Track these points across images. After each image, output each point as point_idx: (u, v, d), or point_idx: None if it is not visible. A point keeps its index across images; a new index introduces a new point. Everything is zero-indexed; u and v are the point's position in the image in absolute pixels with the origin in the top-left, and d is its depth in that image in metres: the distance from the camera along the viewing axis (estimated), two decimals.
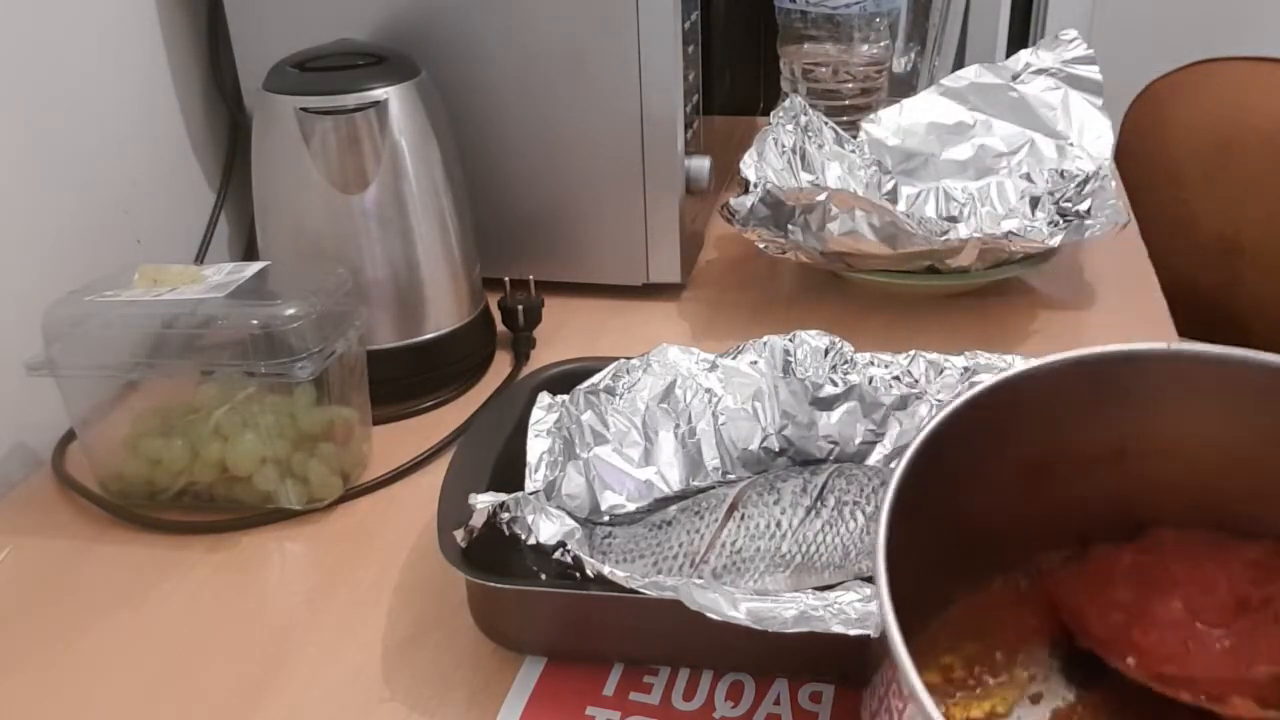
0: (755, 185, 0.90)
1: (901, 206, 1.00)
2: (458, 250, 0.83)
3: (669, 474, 0.68)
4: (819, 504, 0.62)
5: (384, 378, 0.78)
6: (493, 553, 0.57)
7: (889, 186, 1.02)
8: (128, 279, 0.72)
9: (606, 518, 0.66)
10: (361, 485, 0.73)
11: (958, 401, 0.42)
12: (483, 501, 0.57)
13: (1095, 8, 1.84)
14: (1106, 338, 0.87)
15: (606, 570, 0.54)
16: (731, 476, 0.68)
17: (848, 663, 0.56)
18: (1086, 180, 0.95)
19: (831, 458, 0.69)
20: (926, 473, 0.40)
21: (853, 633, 0.49)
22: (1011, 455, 0.44)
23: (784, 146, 0.97)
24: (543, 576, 0.57)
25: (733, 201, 0.89)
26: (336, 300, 0.71)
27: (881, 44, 1.13)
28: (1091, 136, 1.00)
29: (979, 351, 0.70)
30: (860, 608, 0.50)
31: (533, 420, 0.66)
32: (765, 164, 0.93)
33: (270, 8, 0.90)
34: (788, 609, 0.50)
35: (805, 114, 1.01)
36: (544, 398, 0.68)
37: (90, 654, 0.61)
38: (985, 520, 0.45)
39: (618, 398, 0.69)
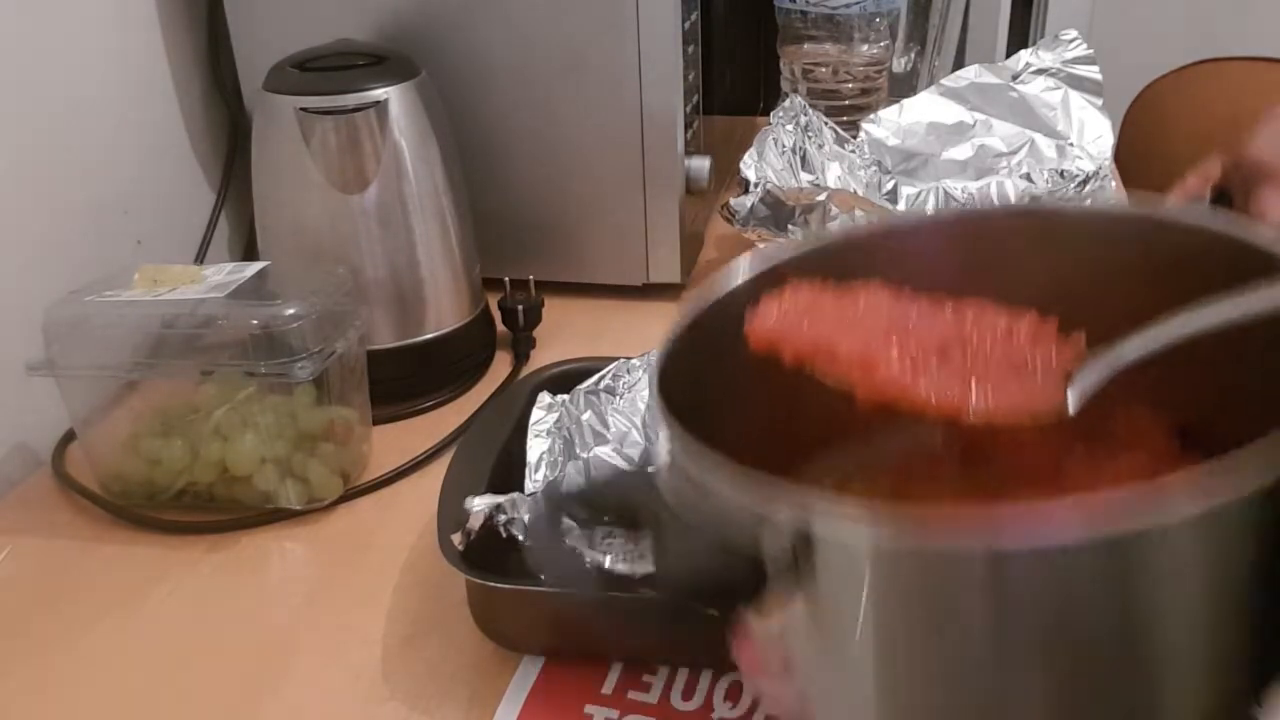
0: (755, 185, 0.90)
1: (901, 206, 1.00)
2: (458, 250, 0.83)
3: None
4: None
5: (384, 378, 0.78)
6: (492, 552, 0.57)
7: (889, 186, 1.02)
8: (128, 279, 0.72)
9: (606, 518, 0.66)
10: (361, 485, 0.73)
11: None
12: (479, 505, 0.57)
13: (1095, 8, 1.84)
14: None
15: (606, 563, 0.54)
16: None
17: None
18: (1086, 180, 0.95)
19: None
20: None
21: None
22: None
23: (784, 146, 0.97)
24: (542, 576, 0.57)
25: (733, 201, 0.89)
26: (336, 300, 0.71)
27: (881, 44, 1.13)
28: (1091, 136, 1.00)
29: None
30: None
31: (533, 420, 0.66)
32: (765, 164, 0.93)
33: (270, 8, 0.90)
34: None
35: (805, 114, 1.01)
36: (544, 398, 0.68)
37: (90, 654, 0.61)
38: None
39: (618, 398, 0.69)
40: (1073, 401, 0.36)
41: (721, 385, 0.38)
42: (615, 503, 0.37)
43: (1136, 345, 0.36)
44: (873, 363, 0.37)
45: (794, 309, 0.39)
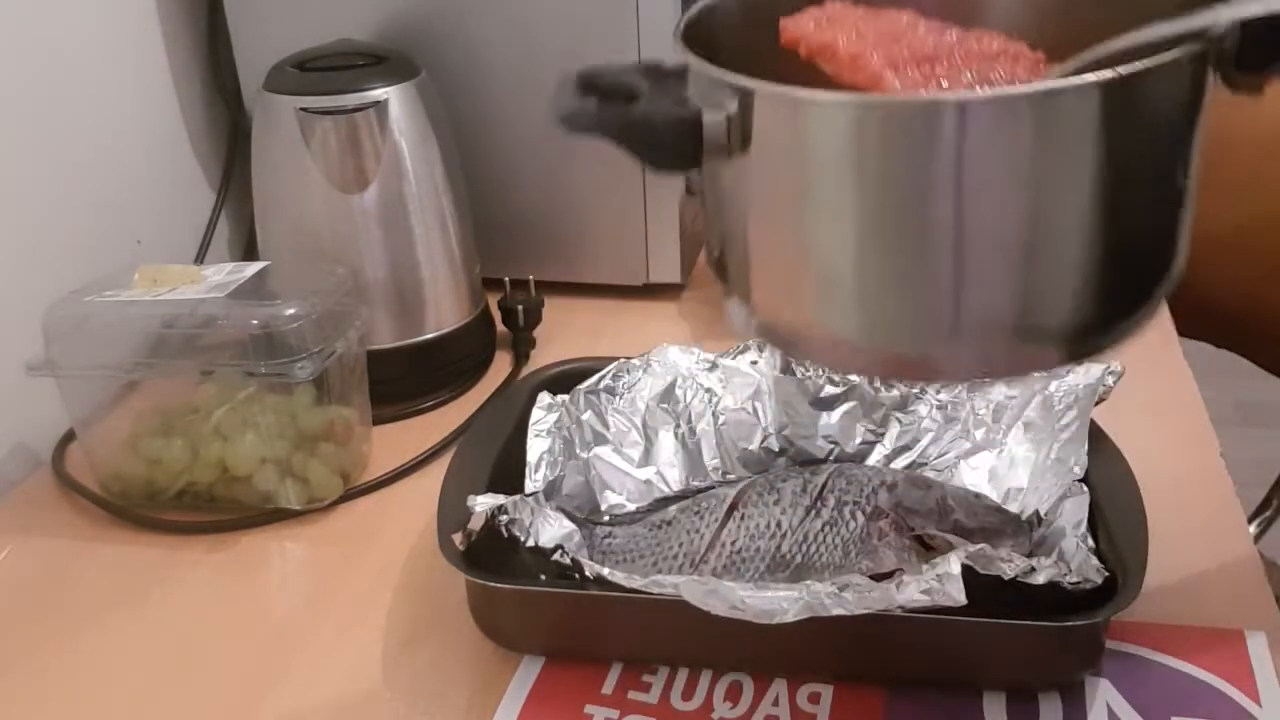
0: None
1: None
2: (458, 250, 0.83)
3: (669, 474, 0.68)
4: (819, 504, 0.62)
5: (384, 378, 0.78)
6: (493, 552, 0.57)
7: None
8: (128, 279, 0.72)
9: (606, 518, 0.66)
10: (361, 485, 0.73)
11: None
12: (481, 504, 0.57)
13: None
14: None
15: (605, 572, 0.54)
16: (731, 476, 0.68)
17: (846, 662, 0.56)
18: None
19: (831, 458, 0.69)
20: None
21: (852, 613, 0.49)
22: None
23: None
24: (542, 576, 0.57)
25: None
26: (336, 300, 0.71)
27: None
28: None
29: None
30: (859, 594, 0.50)
31: (533, 420, 0.66)
32: None
33: (270, 8, 0.90)
34: (788, 601, 0.50)
35: None
36: (544, 398, 0.68)
37: (90, 654, 0.61)
38: None
39: (618, 398, 0.69)
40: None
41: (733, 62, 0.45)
42: (615, 83, 0.50)
43: (1079, 62, 0.43)
44: (861, 61, 0.44)
45: (823, 16, 0.47)
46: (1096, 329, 0.43)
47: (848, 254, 0.43)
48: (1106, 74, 0.38)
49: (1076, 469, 0.61)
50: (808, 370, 0.70)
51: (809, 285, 0.44)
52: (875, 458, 0.69)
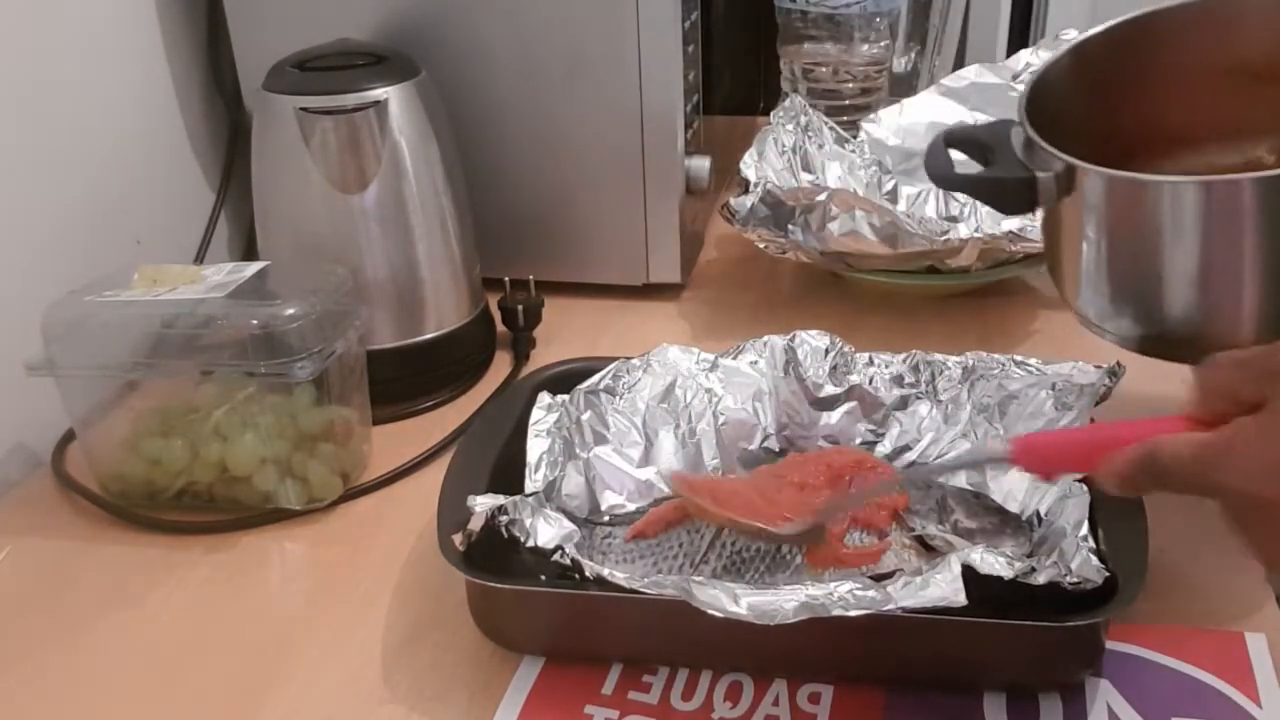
0: (755, 185, 0.90)
1: (902, 206, 1.00)
2: (458, 250, 0.83)
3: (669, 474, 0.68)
4: None
5: (384, 378, 0.78)
6: (493, 552, 0.57)
7: (889, 186, 1.02)
8: (127, 279, 0.72)
9: (606, 518, 0.66)
10: (361, 485, 0.73)
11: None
12: (481, 504, 0.57)
13: (1095, 8, 1.83)
14: None
15: (605, 572, 0.54)
16: (731, 476, 0.68)
17: (846, 662, 0.56)
18: None
19: None
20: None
21: (852, 614, 0.49)
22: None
23: (784, 146, 0.97)
24: (542, 577, 0.57)
25: (733, 201, 0.89)
26: (336, 300, 0.71)
27: (881, 44, 1.13)
28: None
29: (979, 351, 0.70)
30: (859, 594, 0.50)
31: (533, 420, 0.66)
32: (765, 164, 0.93)
33: (270, 8, 0.90)
34: (788, 601, 0.50)
35: (805, 114, 1.01)
36: (544, 398, 0.68)
37: (90, 654, 0.61)
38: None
39: (618, 398, 0.69)
40: (811, 522, 0.60)
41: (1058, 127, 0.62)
42: (978, 140, 0.66)
43: (854, 498, 0.62)
44: (723, 502, 0.61)
45: (694, 484, 0.64)
46: None
47: (1139, 278, 0.61)
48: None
49: None
50: (807, 370, 0.70)
51: (1116, 298, 0.63)
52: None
